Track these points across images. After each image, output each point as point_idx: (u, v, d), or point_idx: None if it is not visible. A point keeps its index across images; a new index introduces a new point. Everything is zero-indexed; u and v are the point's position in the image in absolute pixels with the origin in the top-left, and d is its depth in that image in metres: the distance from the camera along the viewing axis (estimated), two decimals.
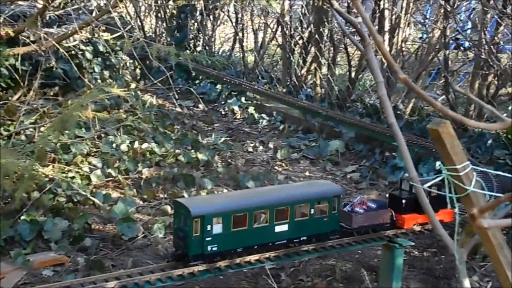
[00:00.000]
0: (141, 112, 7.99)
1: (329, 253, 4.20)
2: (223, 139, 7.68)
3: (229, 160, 7.04)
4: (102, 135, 6.66)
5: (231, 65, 11.35)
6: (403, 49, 8.70)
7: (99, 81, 8.58)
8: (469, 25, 9.25)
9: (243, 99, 9.50)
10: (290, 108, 8.78)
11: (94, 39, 8.34)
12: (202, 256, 3.53)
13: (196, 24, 11.79)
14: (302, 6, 9.92)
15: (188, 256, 3.51)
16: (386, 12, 8.25)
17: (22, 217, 4.69)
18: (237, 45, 11.64)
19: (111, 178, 5.88)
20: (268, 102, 9.28)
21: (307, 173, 6.92)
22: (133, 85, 9.24)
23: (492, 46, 6.95)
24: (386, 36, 8.33)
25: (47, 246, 4.61)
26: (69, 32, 5.80)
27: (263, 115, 9.01)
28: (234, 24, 11.43)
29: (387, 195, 4.61)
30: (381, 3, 8.17)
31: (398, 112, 8.40)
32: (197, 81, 10.46)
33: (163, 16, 12.17)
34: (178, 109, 9.05)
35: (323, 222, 3.92)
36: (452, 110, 6.51)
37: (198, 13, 11.47)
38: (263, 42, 11.07)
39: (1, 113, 6.35)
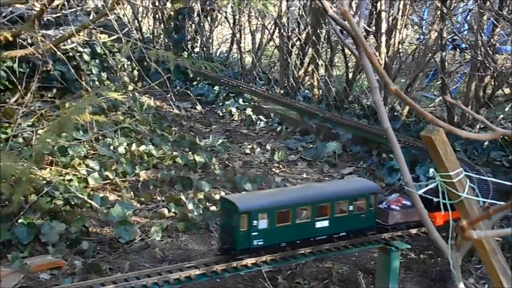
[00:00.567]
0: (139, 114, 8.00)
1: (326, 256, 4.21)
2: (220, 141, 7.69)
3: (227, 162, 7.05)
4: (100, 137, 6.67)
5: (229, 66, 11.36)
6: (400, 50, 8.70)
7: (96, 83, 8.59)
8: (466, 26, 9.28)
9: (240, 100, 9.52)
10: (287, 109, 8.80)
11: (91, 41, 8.35)
12: (248, 250, 3.74)
13: (193, 25, 11.81)
14: (299, 8, 9.94)
15: (235, 250, 3.72)
16: (383, 14, 8.26)
17: (20, 220, 4.70)
18: (235, 46, 11.65)
19: (108, 181, 5.89)
20: (265, 103, 9.30)
21: (304, 175, 6.93)
22: (130, 87, 9.25)
23: (488, 48, 6.97)
24: (383, 38, 8.34)
25: (44, 249, 4.62)
26: (66, 35, 5.80)
27: (261, 117, 9.02)
28: (231, 25, 11.44)
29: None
30: (378, 5, 8.19)
31: (395, 113, 8.42)
32: (194, 83, 10.47)
33: (160, 18, 12.18)
34: (176, 111, 9.06)
35: (361, 218, 4.09)
36: (449, 112, 6.50)
37: (195, 14, 11.48)
38: (261, 44, 11.09)
39: None
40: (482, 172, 5.60)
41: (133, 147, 6.62)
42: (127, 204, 5.37)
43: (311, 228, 3.92)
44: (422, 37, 10.06)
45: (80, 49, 8.32)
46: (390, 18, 8.43)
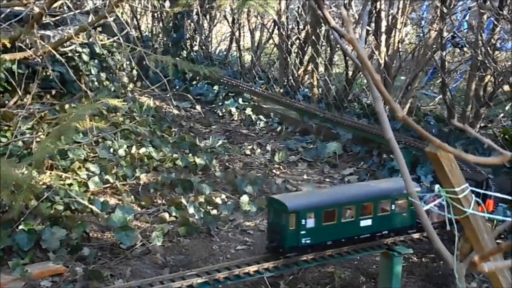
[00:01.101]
0: (138, 115, 7.97)
1: (328, 262, 4.20)
2: (220, 142, 7.67)
3: (227, 164, 7.03)
4: (100, 140, 6.65)
5: (228, 65, 11.33)
6: (400, 49, 8.67)
7: (96, 83, 8.56)
8: (465, 25, 9.25)
9: (240, 100, 9.49)
10: (287, 109, 8.78)
11: (90, 42, 8.31)
12: (297, 248, 3.91)
13: (192, 24, 11.77)
14: (299, 7, 9.91)
15: (284, 248, 3.89)
16: (383, 13, 8.22)
17: (20, 227, 4.68)
18: (234, 44, 11.62)
19: (108, 185, 5.87)
20: (265, 103, 9.27)
21: (305, 176, 6.92)
22: (130, 87, 9.22)
23: (488, 47, 6.95)
24: (383, 37, 8.32)
25: (45, 256, 4.61)
26: (65, 37, 5.76)
27: (261, 117, 8.99)
28: (230, 24, 11.41)
29: None
30: (377, 4, 8.15)
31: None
32: (194, 82, 10.43)
33: (159, 16, 12.13)
34: (175, 111, 9.03)
35: (402, 217, 4.23)
36: (449, 111, 6.45)
37: (194, 13, 11.44)
38: (260, 42, 11.05)
39: None
40: (483, 173, 5.59)
41: (133, 149, 6.60)
42: (127, 208, 5.35)
43: (356, 226, 4.08)
44: (421, 35, 10.04)
45: (79, 49, 8.27)
46: (390, 17, 8.40)
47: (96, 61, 8.69)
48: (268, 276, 4.14)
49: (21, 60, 6.30)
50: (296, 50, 10.05)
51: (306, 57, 9.97)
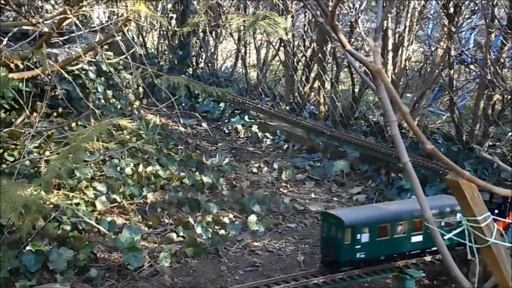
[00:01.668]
0: (145, 132, 7.95)
1: (339, 285, 4.14)
2: (227, 159, 7.63)
3: (234, 182, 6.99)
4: (107, 158, 6.62)
5: (234, 82, 11.33)
6: (407, 67, 8.65)
7: (102, 101, 8.56)
8: (471, 42, 9.24)
9: (246, 117, 9.47)
10: (294, 126, 8.75)
11: (97, 59, 8.32)
12: (352, 262, 4.01)
13: (198, 41, 11.80)
14: (305, 25, 9.92)
15: (339, 262, 3.99)
16: (389, 32, 8.22)
17: (27, 248, 4.64)
18: (240, 61, 11.62)
19: (116, 204, 5.83)
20: (271, 120, 9.24)
21: (312, 195, 6.87)
22: (136, 104, 9.21)
23: (497, 67, 6.92)
24: (390, 55, 8.31)
25: (52, 277, 4.56)
26: (73, 56, 5.77)
27: (267, 134, 8.97)
28: (236, 41, 11.43)
29: None
30: (385, 23, 8.15)
31: (403, 130, 8.36)
32: (199, 99, 10.42)
33: (165, 34, 12.16)
34: (182, 128, 9.02)
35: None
36: (457, 129, 6.40)
37: (200, 30, 11.46)
38: (266, 59, 11.06)
39: (4, 137, 6.31)
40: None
41: (140, 168, 6.57)
42: (135, 228, 5.31)
43: (407, 242, 4.15)
44: (427, 53, 10.04)
45: (85, 67, 8.29)
46: (397, 35, 8.40)
47: (102, 78, 8.70)
48: None
49: (29, 79, 6.29)
50: (302, 67, 10.04)
51: (312, 74, 9.97)
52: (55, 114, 7.74)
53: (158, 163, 6.91)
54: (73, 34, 6.68)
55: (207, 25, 10.29)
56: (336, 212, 4.23)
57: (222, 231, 5.54)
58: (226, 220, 5.79)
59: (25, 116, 6.83)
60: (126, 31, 10.46)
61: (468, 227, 2.06)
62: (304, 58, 9.97)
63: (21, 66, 4.68)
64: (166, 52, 12.26)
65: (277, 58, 11.05)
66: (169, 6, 12.22)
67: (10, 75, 5.38)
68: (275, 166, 7.70)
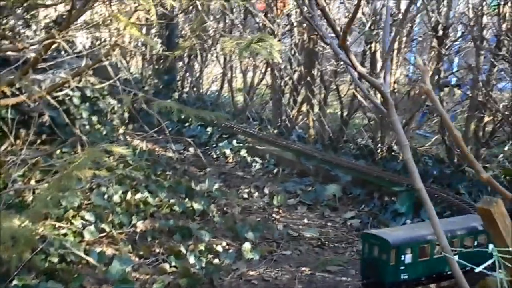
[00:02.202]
0: (132, 158, 7.76)
1: None
2: (217, 185, 7.46)
3: (225, 209, 6.83)
4: (94, 186, 6.42)
5: (220, 106, 11.22)
6: (395, 89, 8.61)
7: (87, 127, 8.37)
8: (455, 66, 9.23)
9: (234, 141, 9.34)
10: (283, 150, 8.63)
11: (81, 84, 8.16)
12: (397, 284, 3.95)
13: (184, 66, 11.70)
14: (291, 48, 9.87)
15: (384, 284, 3.94)
16: (378, 54, 8.19)
17: (14, 282, 4.42)
18: (226, 84, 11.53)
19: (104, 234, 5.63)
20: (260, 144, 9.12)
21: (305, 221, 6.73)
22: (121, 130, 9.03)
23: (487, 88, 6.91)
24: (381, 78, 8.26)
25: None
26: (61, 81, 5.60)
27: (256, 158, 8.84)
28: (222, 64, 11.35)
29: None
30: (373, 45, 8.12)
31: (393, 153, 8.29)
32: (186, 124, 10.28)
33: (150, 58, 12.05)
34: (169, 154, 8.85)
35: (483, 253, 4.30)
36: (449, 151, 6.32)
37: (185, 55, 11.37)
38: (252, 83, 10.97)
39: None
40: None
41: (129, 195, 6.38)
42: (125, 259, 5.11)
43: (445, 262, 4.10)
44: (411, 75, 10.05)
45: (70, 93, 8.12)
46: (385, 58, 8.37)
47: (87, 104, 8.53)
48: None
49: (13, 106, 6.10)
50: (289, 90, 9.97)
51: (300, 98, 9.90)
52: (39, 141, 7.55)
53: (147, 190, 6.72)
54: (59, 60, 6.57)
55: (194, 49, 10.21)
56: (379, 232, 4.25)
57: (216, 260, 5.37)
58: (219, 248, 5.61)
59: (9, 144, 6.63)
60: (112, 56, 10.33)
61: (499, 258, 1.95)
62: (291, 81, 9.90)
63: (8, 93, 4.50)
64: (151, 77, 12.13)
65: (263, 81, 10.97)
66: (153, 30, 12.16)
67: None
68: (266, 191, 7.56)
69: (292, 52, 9.88)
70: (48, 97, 5.43)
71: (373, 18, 7.75)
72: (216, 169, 8.62)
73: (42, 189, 4.27)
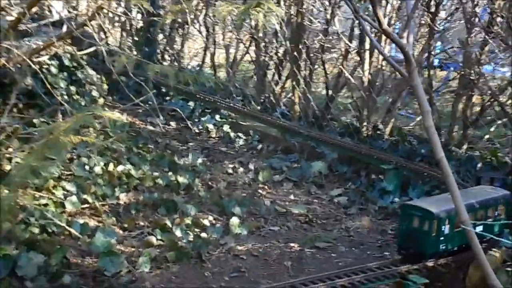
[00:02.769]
0: (112, 130, 7.51)
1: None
2: (200, 160, 7.28)
3: (210, 183, 6.65)
4: (74, 157, 6.18)
5: (204, 80, 10.96)
6: (383, 67, 8.48)
7: (65, 97, 8.08)
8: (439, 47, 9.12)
9: (217, 116, 9.15)
10: (267, 126, 8.46)
11: (59, 53, 7.86)
12: (436, 254, 4.00)
13: (164, 38, 11.38)
14: (278, 22, 9.63)
15: (424, 255, 3.96)
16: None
17: None
18: (208, 59, 11.27)
19: (87, 205, 5.42)
20: (244, 120, 8.93)
21: (292, 197, 6.60)
22: (100, 101, 8.75)
23: (478, 67, 6.82)
24: (367, 55, 8.14)
25: (21, 284, 4.14)
26: (42, 46, 5.33)
27: (240, 134, 8.66)
28: (204, 38, 11.07)
29: None
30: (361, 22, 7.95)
31: (378, 132, 8.20)
32: (167, 98, 10.02)
33: (129, 29, 11.69)
34: (150, 127, 8.62)
35: (501, 224, 4.40)
36: (436, 131, 6.24)
37: (168, 26, 11.06)
38: (235, 58, 10.73)
39: None
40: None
41: (111, 167, 6.16)
42: (109, 231, 4.92)
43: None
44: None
45: (47, 61, 7.83)
46: (374, 34, 8.22)
47: (65, 74, 8.25)
48: None
49: None
50: (274, 66, 9.77)
51: (284, 73, 9.71)
52: (15, 110, 7.25)
53: (129, 162, 6.52)
54: (38, 23, 6.27)
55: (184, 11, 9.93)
56: (419, 203, 4.26)
57: (203, 234, 5.21)
58: (206, 222, 5.46)
59: None
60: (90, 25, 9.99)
61: None
62: (276, 56, 9.70)
63: None
64: (131, 49, 11.78)
65: (247, 57, 10.74)
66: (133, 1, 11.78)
67: None
68: (251, 167, 7.40)
69: (279, 26, 9.66)
70: (30, 62, 5.16)
71: None
72: (198, 144, 8.42)
73: (22, 157, 4.03)
